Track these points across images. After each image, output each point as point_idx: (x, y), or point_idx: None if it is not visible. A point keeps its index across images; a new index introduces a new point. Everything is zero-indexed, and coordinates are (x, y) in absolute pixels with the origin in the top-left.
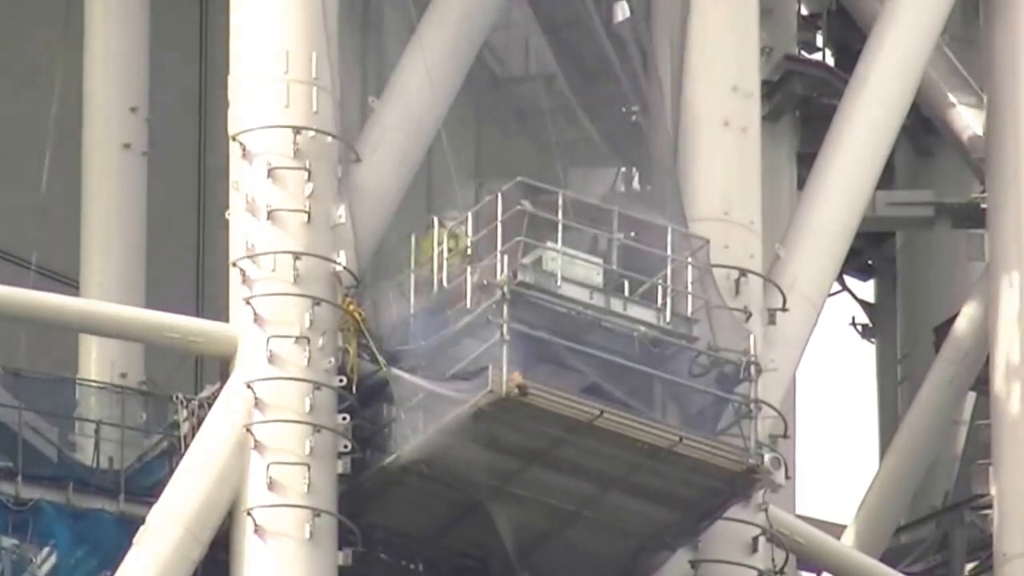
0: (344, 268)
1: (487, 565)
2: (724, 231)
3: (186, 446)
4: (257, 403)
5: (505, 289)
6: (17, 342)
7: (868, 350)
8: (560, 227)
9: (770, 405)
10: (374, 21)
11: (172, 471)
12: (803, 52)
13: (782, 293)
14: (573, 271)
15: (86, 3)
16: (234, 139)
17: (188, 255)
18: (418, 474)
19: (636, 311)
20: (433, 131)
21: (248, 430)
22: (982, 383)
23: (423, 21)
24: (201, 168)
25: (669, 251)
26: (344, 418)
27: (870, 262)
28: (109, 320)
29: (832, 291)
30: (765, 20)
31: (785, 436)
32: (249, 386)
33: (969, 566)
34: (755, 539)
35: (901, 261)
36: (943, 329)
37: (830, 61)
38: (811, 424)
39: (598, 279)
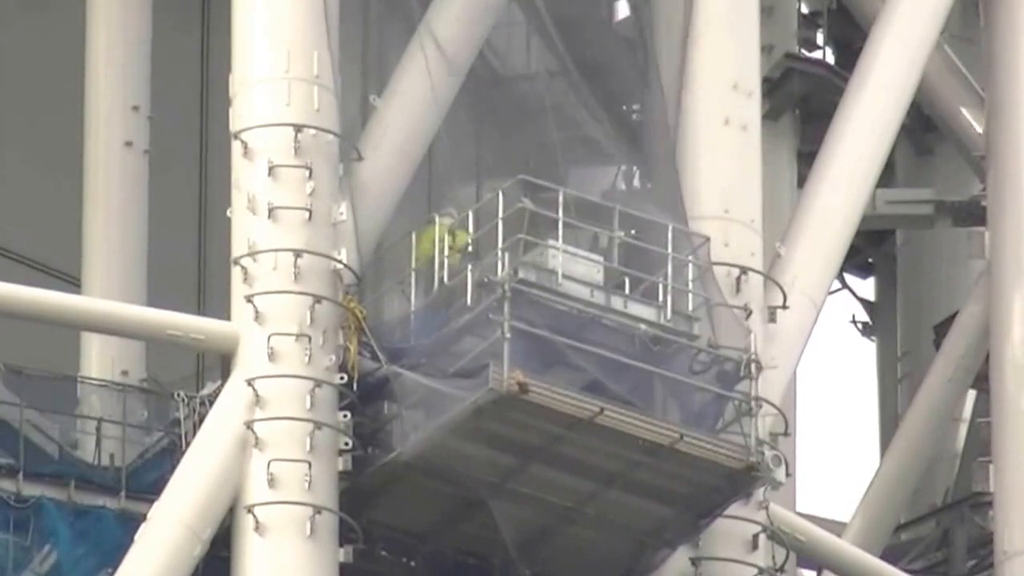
0: (345, 266)
1: (488, 562)
2: (724, 229)
3: (187, 443)
4: (258, 400)
5: (506, 287)
6: (18, 340)
7: (868, 348)
8: (561, 225)
9: (770, 403)
10: (375, 19)
11: (173, 468)
12: (803, 50)
13: (783, 291)
14: (574, 269)
15: (88, 1)
16: (235, 137)
17: (189, 253)
18: (419, 471)
19: (637, 309)
20: (434, 129)
21: (249, 427)
22: (982, 381)
23: (424, 19)
24: (202, 166)
25: (670, 249)
26: (345, 415)
27: (870, 260)
28: (110, 318)
29: (832, 289)
30: (766, 18)
31: (785, 434)
32: (250, 383)
33: (969, 564)
34: (755, 537)
35: (901, 259)
36: (943, 327)
37: (831, 59)
38: (811, 422)
39: (599, 277)
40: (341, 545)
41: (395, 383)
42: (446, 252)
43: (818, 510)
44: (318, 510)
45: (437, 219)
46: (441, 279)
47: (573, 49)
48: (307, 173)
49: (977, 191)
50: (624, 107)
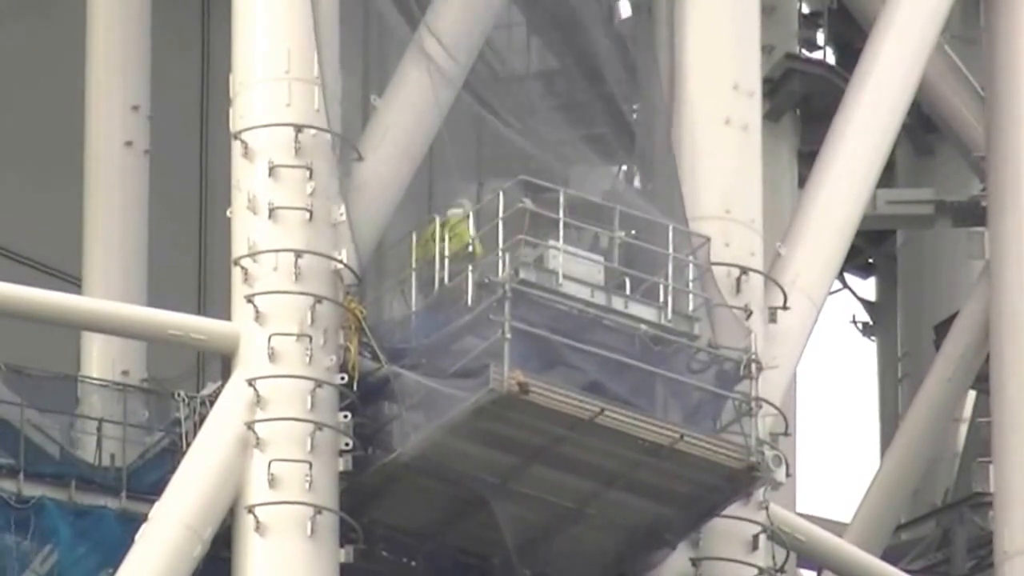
0: (345, 266)
1: (488, 562)
2: (725, 229)
3: (188, 444)
4: (258, 401)
5: (506, 287)
6: (19, 340)
7: (869, 348)
8: (561, 225)
9: (771, 403)
10: (376, 19)
11: (174, 468)
12: (804, 50)
13: (783, 291)
14: (574, 269)
15: (88, 2)
16: (236, 137)
17: (190, 253)
18: (419, 471)
19: (637, 309)
20: (434, 129)
21: (250, 427)
22: (982, 381)
23: (424, 19)
24: (203, 166)
25: (670, 249)
26: (345, 416)
27: (871, 260)
28: (111, 318)
29: (833, 289)
30: (766, 18)
31: (786, 434)
32: (250, 384)
33: (969, 564)
34: (756, 537)
35: (902, 259)
36: (943, 327)
37: (831, 59)
38: (812, 422)
39: (599, 277)
40: (342, 545)
41: (395, 383)
42: (447, 251)
43: (818, 510)
44: (319, 510)
45: (449, 213)
46: (441, 279)
47: (573, 49)
48: (307, 173)
49: (977, 191)
50: (624, 107)
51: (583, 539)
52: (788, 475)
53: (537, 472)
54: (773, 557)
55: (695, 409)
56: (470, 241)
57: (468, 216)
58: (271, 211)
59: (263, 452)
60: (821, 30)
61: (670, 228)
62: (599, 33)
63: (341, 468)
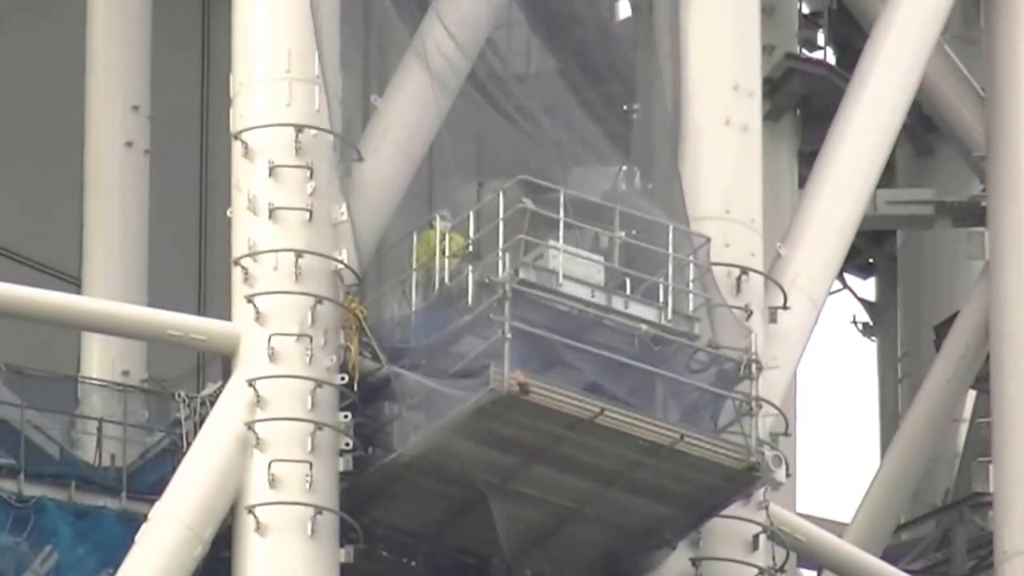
0: (346, 266)
1: (488, 562)
2: (725, 229)
3: (188, 444)
4: (259, 401)
5: (507, 287)
6: (19, 340)
7: (869, 348)
8: (562, 225)
9: (771, 403)
10: (376, 19)
11: (174, 469)
12: (804, 50)
13: (783, 291)
14: (574, 269)
15: (88, 2)
16: (236, 137)
17: (190, 253)
18: (419, 471)
19: (637, 309)
20: (434, 129)
21: (250, 428)
22: (982, 381)
23: (425, 19)
24: (203, 166)
25: (671, 249)
26: (346, 416)
27: (871, 260)
28: (111, 318)
29: (833, 289)
30: (766, 18)
31: (786, 434)
32: (251, 384)
33: (969, 564)
34: (756, 537)
35: (902, 259)
36: (944, 327)
37: (831, 59)
38: (812, 422)
39: (599, 277)
40: (342, 545)
41: (396, 383)
42: (446, 254)
43: (818, 510)
44: (319, 510)
45: (438, 219)
46: (442, 279)
47: (573, 49)
48: (308, 173)
49: (977, 191)
50: (624, 107)
51: (583, 539)
52: (788, 475)
53: (537, 472)
54: (773, 557)
55: (695, 409)
56: (466, 245)
57: (447, 229)
58: (271, 211)
59: (263, 452)
60: (821, 30)
61: (670, 228)
62: (600, 32)
63: (341, 468)
